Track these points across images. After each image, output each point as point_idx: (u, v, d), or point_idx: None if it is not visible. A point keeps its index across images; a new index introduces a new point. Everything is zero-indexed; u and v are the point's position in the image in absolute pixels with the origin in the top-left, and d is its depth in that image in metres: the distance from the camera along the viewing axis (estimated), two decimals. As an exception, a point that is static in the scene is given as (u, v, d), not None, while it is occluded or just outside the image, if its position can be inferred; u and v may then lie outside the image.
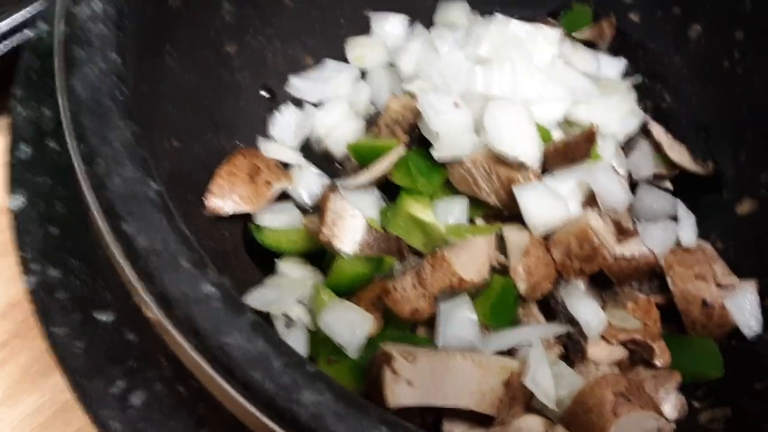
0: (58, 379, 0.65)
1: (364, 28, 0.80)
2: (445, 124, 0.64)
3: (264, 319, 0.60)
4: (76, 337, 0.45)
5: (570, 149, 0.65)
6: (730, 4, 0.73)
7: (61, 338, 0.45)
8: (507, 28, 0.69)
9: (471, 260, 0.59)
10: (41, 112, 0.52)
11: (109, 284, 0.47)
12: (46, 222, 0.48)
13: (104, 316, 0.46)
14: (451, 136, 0.64)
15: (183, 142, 0.62)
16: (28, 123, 0.52)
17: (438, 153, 0.63)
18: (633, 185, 0.75)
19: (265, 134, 0.73)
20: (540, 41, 0.70)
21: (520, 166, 0.64)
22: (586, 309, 0.61)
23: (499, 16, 0.71)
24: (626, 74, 0.80)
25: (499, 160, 0.64)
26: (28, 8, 0.69)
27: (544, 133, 0.66)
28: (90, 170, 0.38)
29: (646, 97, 0.80)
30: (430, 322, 0.60)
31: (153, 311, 0.36)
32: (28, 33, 0.68)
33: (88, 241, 0.48)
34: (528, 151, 0.63)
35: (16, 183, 0.50)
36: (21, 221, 0.48)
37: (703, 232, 0.73)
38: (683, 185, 0.76)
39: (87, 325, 0.45)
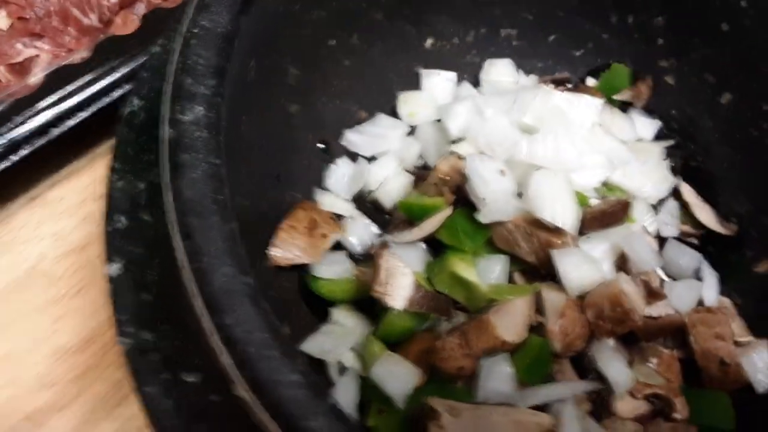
0: (131, 407, 0.73)
1: (414, 84, 0.86)
2: (491, 191, 0.69)
3: (318, 364, 0.67)
4: (165, 395, 0.52)
5: (606, 215, 0.70)
6: (761, 78, 0.77)
7: (152, 396, 0.52)
8: (551, 99, 0.74)
9: (512, 322, 0.65)
10: (136, 185, 0.58)
11: (195, 348, 0.53)
12: (140, 288, 0.55)
13: (191, 378, 0.52)
14: (496, 203, 0.69)
15: (251, 200, 0.68)
16: (124, 195, 0.58)
17: (483, 218, 0.69)
18: (662, 239, 0.81)
19: (321, 185, 0.79)
20: (581, 110, 0.75)
21: (559, 231, 0.69)
22: (616, 368, 0.67)
23: (543, 87, 0.76)
24: (660, 135, 0.85)
25: (540, 224, 0.69)
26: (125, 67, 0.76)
27: (582, 199, 0.71)
28: (195, 267, 0.44)
29: (678, 155, 0.85)
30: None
31: (247, 395, 0.42)
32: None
33: (177, 307, 0.54)
34: (566, 218, 0.68)
35: (112, 251, 0.56)
36: (117, 287, 0.55)
37: (724, 290, 0.78)
38: (709, 241, 0.82)
39: (176, 385, 0.52)
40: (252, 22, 0.58)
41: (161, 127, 0.49)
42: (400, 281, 0.68)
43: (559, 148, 0.71)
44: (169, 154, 0.48)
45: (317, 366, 0.68)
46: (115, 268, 0.55)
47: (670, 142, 0.84)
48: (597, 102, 0.75)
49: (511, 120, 0.75)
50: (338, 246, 0.77)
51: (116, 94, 0.77)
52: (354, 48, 0.80)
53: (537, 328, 0.68)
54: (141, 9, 0.85)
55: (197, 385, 0.52)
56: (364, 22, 0.78)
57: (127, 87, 0.77)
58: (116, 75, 0.76)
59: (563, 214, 0.68)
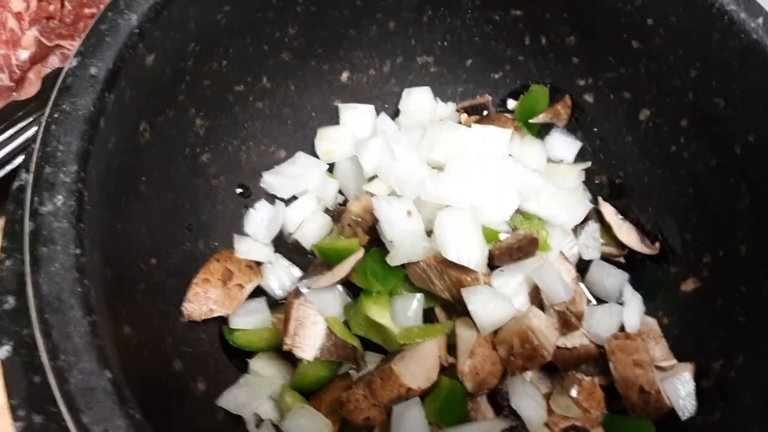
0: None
1: (333, 118, 0.86)
2: (399, 233, 0.70)
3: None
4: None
5: (514, 250, 0.70)
6: (675, 93, 0.76)
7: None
8: (457, 134, 0.74)
9: (419, 367, 0.65)
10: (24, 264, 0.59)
11: None
12: (29, 370, 0.55)
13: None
14: (405, 244, 0.69)
15: (159, 258, 0.68)
16: (12, 274, 0.58)
17: (391, 260, 0.69)
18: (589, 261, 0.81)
19: (241, 231, 0.79)
20: (490, 142, 0.74)
21: (468, 269, 0.69)
22: (528, 405, 0.67)
23: (450, 123, 0.76)
24: (582, 155, 0.85)
25: (450, 262, 0.69)
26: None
27: (490, 235, 0.71)
28: (53, 365, 0.44)
29: (601, 172, 0.85)
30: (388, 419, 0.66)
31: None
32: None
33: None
34: (473, 257, 0.68)
35: (1, 332, 0.57)
36: (7, 370, 0.55)
37: (651, 308, 0.78)
38: (635, 259, 0.82)
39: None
40: (132, 91, 0.58)
41: (25, 221, 0.49)
42: (311, 331, 0.68)
43: (465, 185, 0.71)
44: (29, 247, 0.48)
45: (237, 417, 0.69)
46: (4, 351, 0.56)
47: (588, 164, 0.83)
48: (506, 133, 0.75)
49: (421, 156, 0.75)
50: (260, 291, 0.77)
51: (9, 167, 0.75)
52: (265, 90, 0.79)
53: (450, 368, 0.69)
54: (55, 62, 0.84)
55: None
56: (271, 64, 0.78)
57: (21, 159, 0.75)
58: (9, 147, 0.74)
59: (469, 253, 0.68)
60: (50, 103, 0.52)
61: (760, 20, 0.66)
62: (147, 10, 0.58)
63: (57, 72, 0.79)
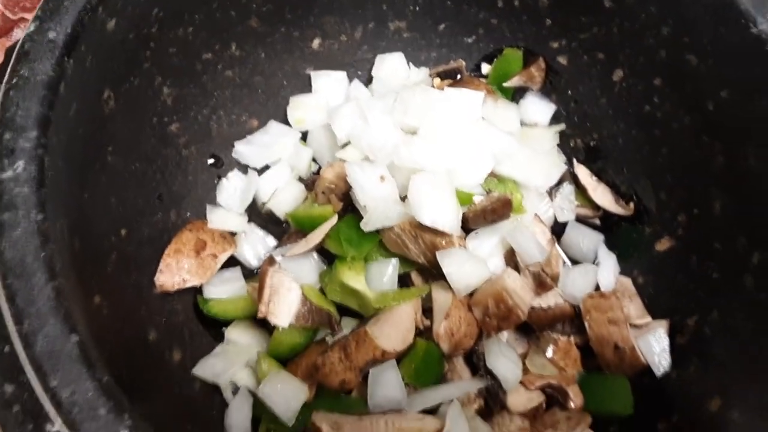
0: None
1: (306, 86, 0.85)
2: (372, 199, 0.69)
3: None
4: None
5: (488, 213, 0.70)
6: (648, 52, 0.76)
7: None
8: (430, 98, 0.73)
9: (395, 330, 0.65)
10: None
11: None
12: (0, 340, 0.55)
13: (53, 428, 0.52)
14: (379, 209, 0.69)
15: (130, 229, 0.67)
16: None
17: (365, 226, 0.69)
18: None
19: (214, 201, 0.78)
20: (463, 106, 0.74)
21: (443, 233, 0.69)
22: (504, 365, 0.67)
23: (422, 86, 0.75)
24: (556, 118, 0.84)
25: (424, 226, 0.69)
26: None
27: (464, 198, 0.71)
28: (19, 330, 0.44)
29: (576, 135, 0.85)
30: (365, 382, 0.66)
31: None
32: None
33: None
34: (447, 220, 0.68)
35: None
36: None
37: (626, 267, 0.79)
38: (610, 221, 0.82)
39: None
40: (93, 56, 0.57)
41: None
42: (285, 298, 0.68)
43: (439, 148, 0.71)
44: (-8, 214, 0.47)
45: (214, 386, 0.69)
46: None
47: (562, 127, 0.83)
48: (478, 95, 0.75)
49: (395, 120, 0.74)
50: (235, 262, 0.77)
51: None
52: (234, 58, 0.79)
53: (426, 331, 0.69)
54: (19, 35, 0.83)
55: (58, 434, 0.52)
56: (239, 31, 0.77)
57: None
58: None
59: (443, 216, 0.68)
60: (9, 69, 0.51)
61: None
62: (106, -28, 0.57)
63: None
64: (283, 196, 0.78)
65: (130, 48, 0.64)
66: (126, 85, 0.65)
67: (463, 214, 0.71)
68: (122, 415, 0.43)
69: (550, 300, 0.71)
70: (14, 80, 0.51)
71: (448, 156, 0.70)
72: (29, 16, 0.82)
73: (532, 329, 0.74)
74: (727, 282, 0.70)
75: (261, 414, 0.66)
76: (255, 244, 0.77)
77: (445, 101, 0.73)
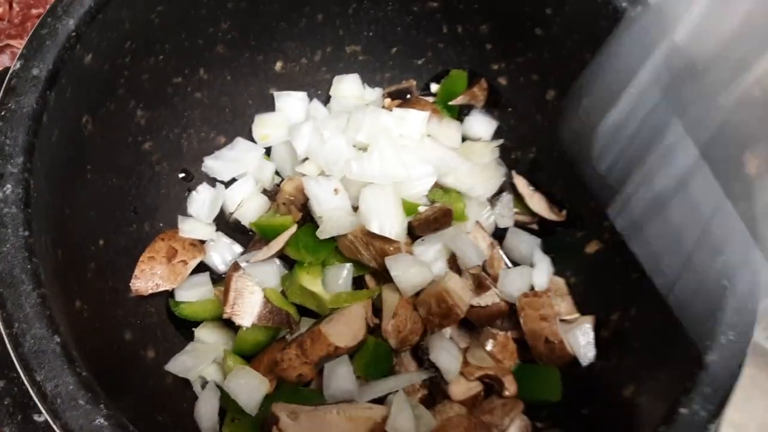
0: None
1: (270, 105, 0.92)
2: (328, 209, 0.77)
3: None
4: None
5: (431, 221, 0.78)
6: (575, 75, 0.84)
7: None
8: (379, 118, 0.81)
9: (347, 328, 0.73)
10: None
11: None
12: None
13: (41, 418, 0.59)
14: (333, 219, 0.77)
15: (108, 239, 0.75)
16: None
17: (321, 234, 0.76)
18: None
19: (184, 212, 0.86)
20: (409, 124, 0.82)
21: (390, 239, 0.77)
22: (445, 358, 0.75)
23: (372, 107, 0.83)
24: (499, 133, 0.93)
25: (374, 234, 0.77)
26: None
27: (410, 208, 0.79)
28: (9, 332, 0.51)
29: (516, 148, 0.93)
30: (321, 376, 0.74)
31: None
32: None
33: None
34: (393, 228, 0.76)
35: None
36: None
37: (561, 268, 0.87)
38: (546, 226, 0.90)
39: (28, 424, 0.59)
40: (72, 88, 0.64)
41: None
42: (249, 300, 0.76)
43: (386, 164, 0.78)
44: (-18, 232, 0.54)
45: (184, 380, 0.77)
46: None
47: (500, 141, 0.91)
48: (423, 115, 0.83)
49: (348, 138, 0.82)
50: (204, 267, 0.84)
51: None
52: (203, 81, 0.86)
53: (377, 329, 0.77)
54: (5, 60, 0.90)
55: (46, 424, 0.59)
56: (207, 57, 0.84)
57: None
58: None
59: (389, 225, 0.76)
60: (-3, 102, 0.58)
61: (639, 8, 0.74)
62: (83, 14, 0.64)
63: (6, 70, 0.84)
64: (249, 207, 0.86)
65: (106, 78, 0.71)
66: (103, 110, 0.72)
67: (410, 222, 0.79)
68: (99, 405, 0.51)
69: (488, 299, 0.79)
70: (2, 113, 0.58)
71: (395, 170, 0.78)
72: (14, 42, 0.89)
73: (473, 326, 0.82)
74: (644, 281, 0.78)
75: (227, 405, 0.74)
76: (222, 251, 0.84)
77: (393, 121, 0.81)
